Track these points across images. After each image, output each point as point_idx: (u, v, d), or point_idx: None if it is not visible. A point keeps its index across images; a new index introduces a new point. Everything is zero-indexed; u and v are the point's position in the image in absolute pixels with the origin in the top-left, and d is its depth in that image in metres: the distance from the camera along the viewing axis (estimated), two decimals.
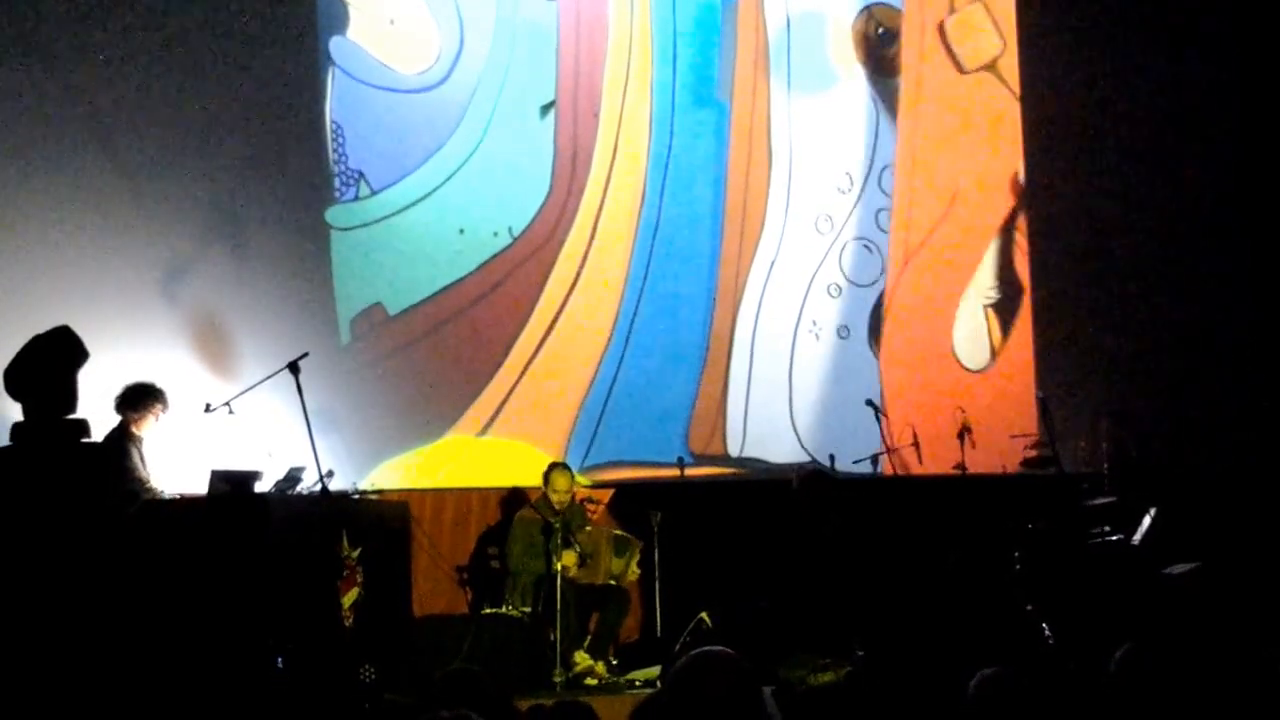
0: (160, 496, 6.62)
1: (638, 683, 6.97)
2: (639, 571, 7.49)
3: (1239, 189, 9.06)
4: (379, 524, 6.94)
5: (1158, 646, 3.15)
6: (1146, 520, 7.16)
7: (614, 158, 8.38)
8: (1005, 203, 8.92)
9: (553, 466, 7.52)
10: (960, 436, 7.90)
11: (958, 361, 8.72)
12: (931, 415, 8.29)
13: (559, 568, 6.94)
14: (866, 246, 8.74)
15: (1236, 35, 9.14)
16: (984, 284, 8.82)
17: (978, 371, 8.75)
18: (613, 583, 7.42)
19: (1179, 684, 3.04)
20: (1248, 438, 8.49)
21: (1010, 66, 8.96)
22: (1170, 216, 9.03)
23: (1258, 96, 9.09)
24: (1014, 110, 8.97)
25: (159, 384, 6.89)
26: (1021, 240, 8.90)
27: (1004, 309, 8.85)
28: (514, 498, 7.81)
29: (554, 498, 7.35)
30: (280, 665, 5.82)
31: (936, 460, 7.93)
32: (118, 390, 6.84)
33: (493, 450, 7.99)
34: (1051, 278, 9.00)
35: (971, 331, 8.76)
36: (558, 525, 7.08)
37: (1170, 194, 9.05)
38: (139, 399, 6.79)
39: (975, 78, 8.94)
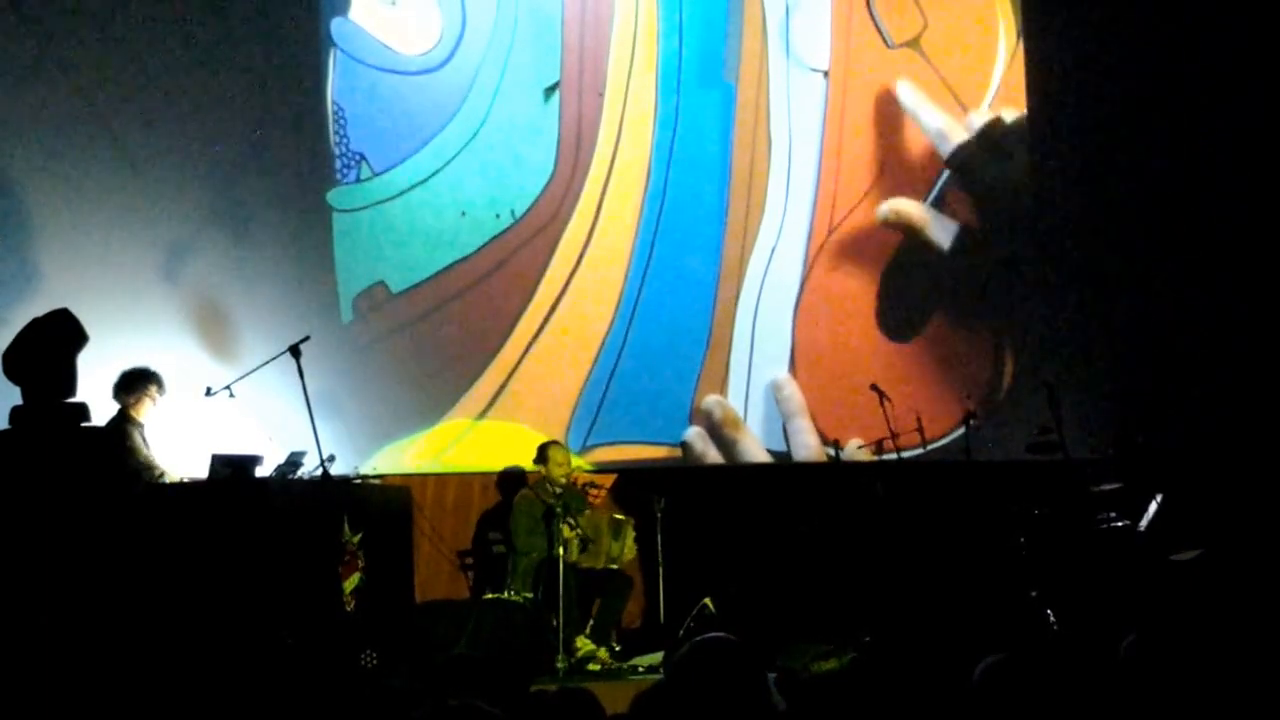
0: (167, 479, 6.61)
1: (640, 668, 6.96)
2: (635, 549, 7.49)
3: (1247, 171, 9.01)
4: (380, 509, 6.92)
5: (1163, 634, 3.12)
6: (1153, 506, 7.13)
7: (618, 139, 8.34)
8: (930, 180, 8.83)
9: (549, 444, 7.51)
10: (965, 422, 7.89)
11: (879, 332, 8.64)
12: (840, 381, 8.34)
13: (560, 550, 6.93)
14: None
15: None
16: (910, 257, 8.73)
17: (898, 344, 8.67)
18: (613, 566, 7.41)
19: (1184, 671, 3.02)
20: (1254, 424, 8.45)
21: (932, 43, 8.87)
22: (1178, 198, 8.99)
23: (1264, 79, 9.04)
24: (938, 87, 8.88)
25: (153, 368, 6.88)
26: (952, 217, 8.81)
27: (932, 283, 8.77)
28: (512, 478, 7.78)
29: (556, 472, 7.35)
30: (281, 651, 5.81)
31: (837, 426, 8.11)
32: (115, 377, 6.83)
33: (493, 434, 7.97)
34: (1057, 261, 8.96)
35: (894, 304, 8.67)
36: (559, 508, 7.06)
37: (1178, 176, 9.01)
38: (133, 383, 6.79)
39: (902, 53, 8.86)
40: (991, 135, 8.91)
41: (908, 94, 8.80)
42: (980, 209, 8.92)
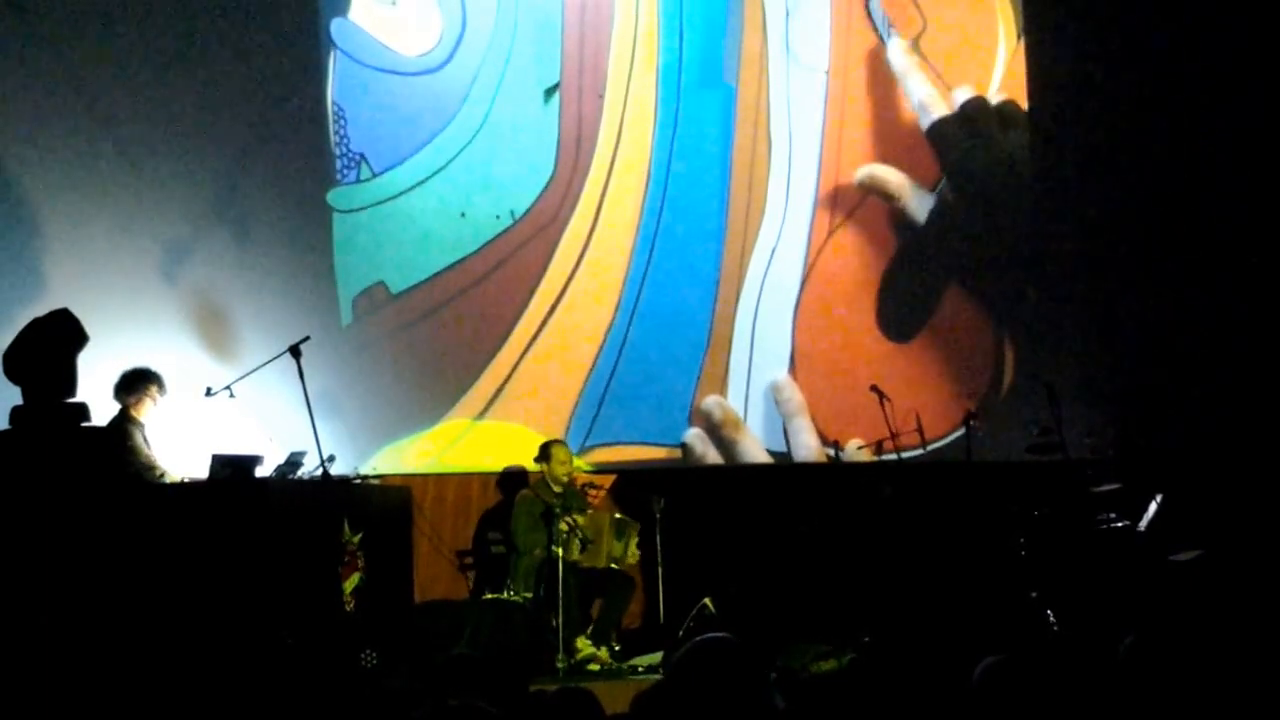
0: (168, 479, 6.62)
1: (640, 669, 6.96)
2: (638, 554, 7.51)
3: (1247, 171, 9.01)
4: (380, 509, 6.92)
5: (1163, 634, 3.12)
6: (1152, 507, 7.13)
7: (618, 140, 8.34)
8: (930, 181, 8.82)
9: (551, 443, 7.53)
10: (965, 423, 7.88)
11: (879, 333, 8.63)
12: (840, 382, 8.33)
13: (560, 550, 6.93)
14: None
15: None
16: (910, 258, 8.73)
17: (899, 344, 8.67)
18: (614, 566, 7.42)
19: (1184, 671, 3.02)
20: (1254, 424, 8.45)
21: (932, 43, 8.87)
22: (1178, 197, 9.00)
23: (1264, 79, 9.04)
24: (938, 87, 8.87)
25: (154, 368, 6.88)
26: (952, 219, 8.82)
27: (932, 284, 8.77)
28: (514, 477, 7.79)
29: (559, 470, 7.39)
30: (281, 651, 5.81)
31: (837, 427, 8.15)
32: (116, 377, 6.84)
33: (493, 434, 7.97)
34: (1057, 261, 8.97)
35: (894, 305, 8.67)
36: (559, 509, 7.06)
37: (1178, 176, 9.01)
38: (134, 383, 6.80)
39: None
40: (969, 112, 8.90)
41: (898, 57, 8.79)
42: (979, 212, 8.93)
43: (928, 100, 8.83)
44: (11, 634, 4.90)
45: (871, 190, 8.71)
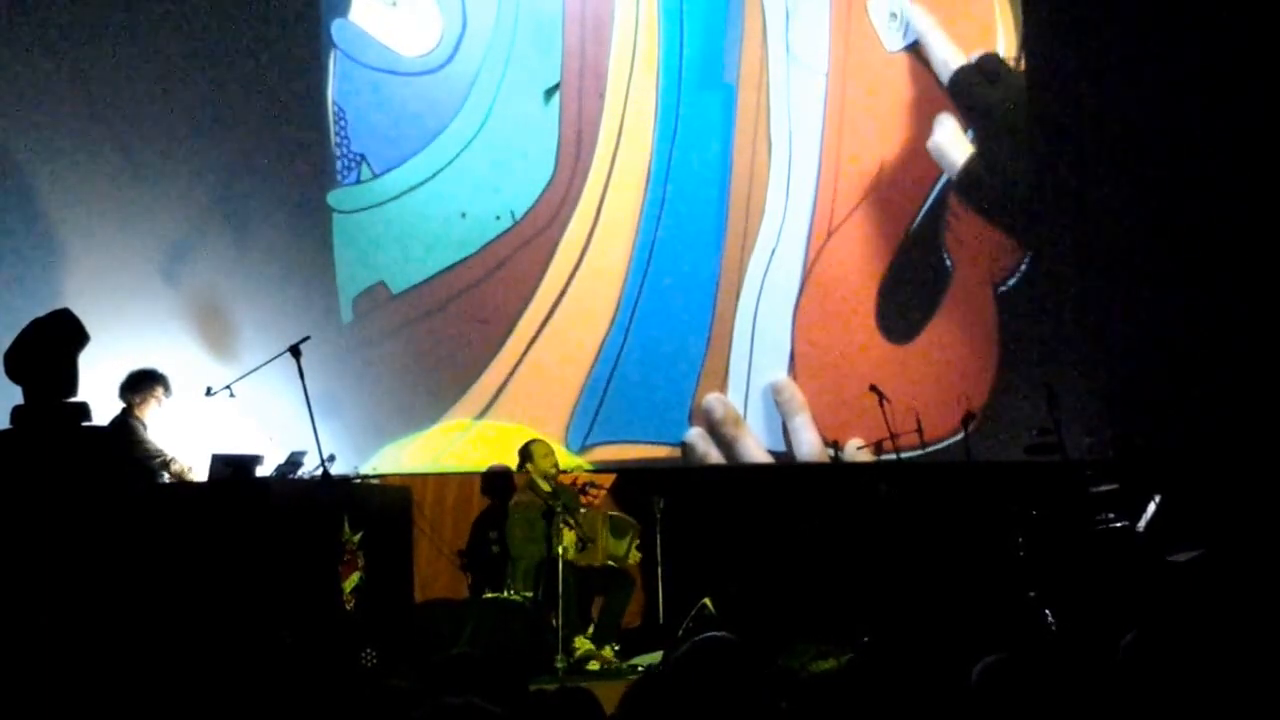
0: (177, 465, 6.65)
1: (640, 668, 6.96)
2: (640, 555, 7.51)
3: (1247, 171, 9.02)
4: (380, 509, 6.93)
5: (1162, 634, 3.12)
6: (1151, 507, 7.14)
7: (619, 140, 8.35)
8: (929, 183, 8.84)
9: (528, 443, 7.52)
10: (964, 423, 7.89)
11: (879, 334, 8.65)
12: (840, 382, 8.36)
13: (560, 550, 6.93)
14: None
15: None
16: (909, 259, 8.74)
17: (899, 344, 8.68)
18: (611, 564, 7.42)
19: (1183, 671, 3.02)
20: (1254, 424, 8.45)
21: (933, 49, 8.91)
22: (1178, 197, 9.00)
23: (1265, 80, 9.04)
24: (935, 91, 8.91)
25: (160, 369, 6.90)
26: (952, 221, 8.84)
27: (932, 285, 8.78)
28: (497, 477, 7.78)
29: (543, 464, 7.37)
30: (281, 650, 5.81)
31: (836, 428, 8.16)
32: (119, 376, 6.85)
33: (493, 434, 7.97)
34: (1055, 262, 8.97)
35: (894, 306, 8.69)
36: (559, 508, 7.06)
37: (1177, 176, 9.02)
38: (140, 384, 6.81)
39: (900, 57, 8.88)
40: (986, 66, 8.99)
41: (921, 19, 8.87)
42: (981, 214, 8.94)
43: (949, 57, 8.89)
44: (11, 634, 4.90)
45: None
